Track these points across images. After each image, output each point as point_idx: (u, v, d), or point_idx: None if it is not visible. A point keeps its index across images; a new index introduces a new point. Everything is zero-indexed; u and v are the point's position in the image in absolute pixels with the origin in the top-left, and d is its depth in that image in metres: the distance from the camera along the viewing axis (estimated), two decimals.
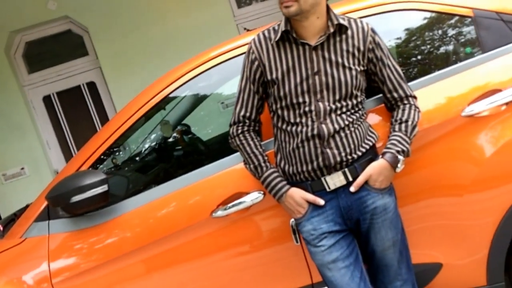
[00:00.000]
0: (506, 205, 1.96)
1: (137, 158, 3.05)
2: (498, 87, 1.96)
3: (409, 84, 2.00)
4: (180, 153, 3.19)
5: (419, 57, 2.24)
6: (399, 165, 1.77)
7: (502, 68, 1.99)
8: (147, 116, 2.34)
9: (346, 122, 1.78)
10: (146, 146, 3.09)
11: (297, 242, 1.97)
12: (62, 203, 2.04)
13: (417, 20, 2.19)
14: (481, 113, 1.95)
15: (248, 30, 3.24)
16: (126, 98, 2.67)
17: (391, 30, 2.23)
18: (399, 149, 1.78)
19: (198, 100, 3.05)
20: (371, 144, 1.83)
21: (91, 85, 5.99)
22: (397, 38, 2.25)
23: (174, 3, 5.75)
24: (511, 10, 2.03)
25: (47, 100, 5.91)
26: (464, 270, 2.06)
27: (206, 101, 3.04)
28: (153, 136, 3.05)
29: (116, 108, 5.69)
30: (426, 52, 2.22)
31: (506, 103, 1.94)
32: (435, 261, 2.07)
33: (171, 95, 2.32)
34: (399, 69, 1.90)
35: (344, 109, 1.79)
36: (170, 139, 3.13)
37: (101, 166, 2.35)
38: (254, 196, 2.01)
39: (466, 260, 2.05)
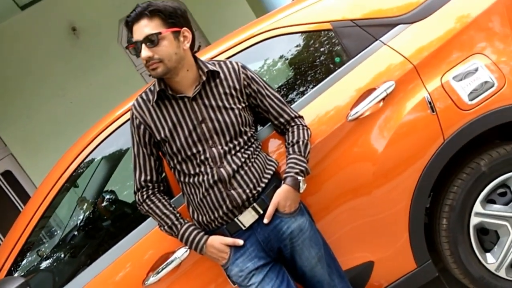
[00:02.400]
0: (410, 189, 2.10)
1: (66, 242, 2.97)
2: (372, 86, 2.10)
3: (296, 103, 2.11)
4: (108, 223, 3.14)
5: (298, 77, 2.35)
6: (301, 185, 1.85)
7: (371, 68, 2.13)
8: (55, 201, 2.29)
9: (243, 159, 1.84)
10: (70, 229, 3.01)
11: (234, 284, 2.00)
12: None
13: (288, 43, 2.31)
14: (364, 114, 2.08)
15: (199, 47, 3.25)
16: None
17: (267, 58, 2.35)
18: (297, 170, 1.86)
19: (114, 162, 3.01)
20: (272, 172, 1.90)
21: (8, 174, 5.77)
22: (274, 64, 2.36)
23: (73, 74, 5.69)
24: (362, 15, 2.19)
25: None
26: (393, 260, 2.17)
27: (124, 160, 3.00)
28: (75, 217, 2.98)
29: None
30: (303, 71, 2.34)
31: (383, 99, 2.08)
32: (366, 260, 2.16)
33: (80, 168, 2.30)
34: (278, 95, 1.99)
35: (237, 148, 1.86)
36: (94, 213, 3.07)
37: (24, 262, 2.27)
38: (181, 253, 2.02)
39: (392, 250, 2.16)
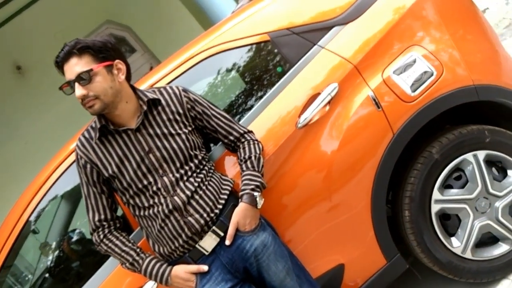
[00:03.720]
0: (368, 187, 2.11)
1: None
2: (317, 91, 2.10)
3: (245, 117, 2.10)
4: (77, 263, 3.06)
5: (244, 92, 2.33)
6: (258, 200, 1.84)
7: (312, 73, 2.14)
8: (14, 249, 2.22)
9: (196, 184, 1.82)
10: (39, 274, 2.92)
11: None
12: None
13: (229, 60, 2.30)
14: (313, 120, 2.08)
15: (151, 68, 3.19)
16: None
17: (210, 76, 2.33)
18: (252, 186, 1.85)
19: (74, 198, 2.93)
20: (228, 192, 1.88)
21: None
22: (218, 82, 2.34)
23: (26, 113, 5.55)
24: (297, 22, 2.19)
25: None
26: (363, 259, 2.18)
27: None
28: (42, 263, 2.89)
29: None
30: (248, 85, 2.33)
31: (328, 102, 2.09)
32: (336, 263, 2.16)
33: (37, 210, 2.24)
34: (224, 113, 1.98)
35: (189, 173, 1.83)
36: (61, 256, 2.98)
37: None
38: (149, 286, 1.97)
39: (360, 250, 2.16)
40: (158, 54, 6.03)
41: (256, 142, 1.97)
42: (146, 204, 1.81)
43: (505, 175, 2.23)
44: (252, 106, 2.16)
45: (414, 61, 2.11)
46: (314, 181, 2.09)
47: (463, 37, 2.27)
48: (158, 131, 1.83)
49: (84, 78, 1.72)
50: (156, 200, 1.80)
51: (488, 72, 2.24)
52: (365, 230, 2.14)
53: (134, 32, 6.03)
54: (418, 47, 2.15)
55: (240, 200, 1.84)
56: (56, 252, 2.94)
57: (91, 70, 1.72)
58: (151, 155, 1.81)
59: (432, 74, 2.10)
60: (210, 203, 1.82)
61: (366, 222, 2.14)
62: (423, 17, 2.23)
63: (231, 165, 2.07)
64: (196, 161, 1.86)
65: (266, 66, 2.26)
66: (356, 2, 2.21)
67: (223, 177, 1.94)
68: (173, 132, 1.84)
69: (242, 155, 1.93)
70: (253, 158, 1.91)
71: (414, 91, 2.09)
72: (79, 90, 1.72)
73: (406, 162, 2.20)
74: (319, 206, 2.11)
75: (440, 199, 2.15)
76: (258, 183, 1.86)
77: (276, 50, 2.21)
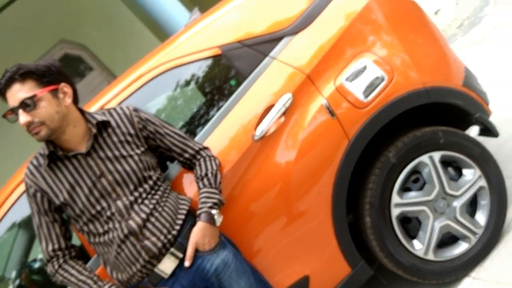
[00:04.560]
0: (328, 196, 2.11)
1: None
2: (271, 103, 2.09)
3: (200, 133, 2.08)
4: None
5: (198, 107, 2.30)
6: (216, 218, 1.80)
7: (266, 85, 2.13)
8: None
9: (151, 206, 1.77)
10: None
11: None
12: None
13: (182, 75, 2.27)
14: (269, 132, 2.07)
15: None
16: None
17: (162, 94, 2.29)
18: (210, 204, 1.82)
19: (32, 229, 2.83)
20: (185, 212, 1.84)
21: None
22: (172, 100, 2.30)
23: None
24: (248, 35, 2.19)
25: None
26: (328, 268, 2.17)
27: None
28: None
29: None
30: (203, 101, 2.30)
31: (284, 113, 2.08)
32: (301, 275, 2.14)
33: None
34: (178, 131, 1.94)
35: (144, 195, 1.78)
36: None
37: None
38: None
39: (324, 259, 2.15)
40: (117, 72, 5.94)
41: (212, 158, 1.94)
42: (100, 230, 1.76)
43: (460, 174, 2.26)
44: (207, 122, 2.14)
45: (365, 67, 2.13)
46: (274, 194, 2.07)
47: (412, 41, 2.30)
48: (110, 154, 1.78)
49: (28, 104, 1.66)
50: (111, 226, 1.75)
51: (438, 74, 2.28)
52: (327, 239, 2.14)
53: (90, 50, 5.92)
54: (368, 53, 2.17)
55: (198, 219, 1.80)
56: (15, 286, 2.84)
57: (35, 95, 1.67)
58: (103, 179, 1.76)
59: (383, 79, 2.13)
60: (167, 225, 1.77)
61: (328, 231, 2.13)
62: (372, 23, 2.25)
63: (189, 183, 2.03)
64: (151, 182, 1.81)
65: (219, 80, 2.24)
66: (305, 12, 2.22)
67: (180, 196, 1.90)
68: (125, 154, 1.80)
69: (199, 172, 1.90)
70: (209, 175, 1.88)
71: (366, 97, 2.11)
72: (23, 117, 1.66)
73: (366, 168, 2.21)
74: (281, 218, 2.09)
75: (399, 203, 2.17)
76: (215, 200, 1.83)
77: (228, 64, 2.19)
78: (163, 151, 1.92)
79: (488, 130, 2.36)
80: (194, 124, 2.21)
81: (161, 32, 4.79)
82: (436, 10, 6.23)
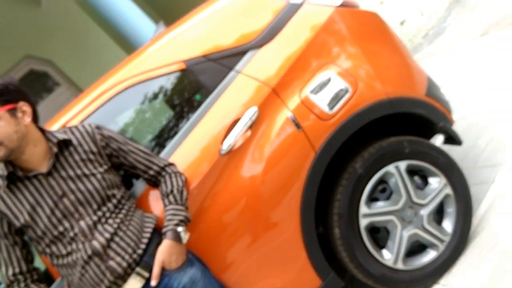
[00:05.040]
0: (296, 209, 2.10)
1: None
2: (237, 116, 2.08)
3: (166, 149, 2.05)
4: None
5: (164, 123, 2.27)
6: (182, 235, 1.78)
7: (232, 99, 2.12)
8: None
9: (115, 225, 1.74)
10: None
11: None
12: None
13: (147, 91, 2.24)
14: (236, 145, 2.06)
15: None
16: None
17: (127, 110, 2.26)
18: (176, 222, 1.79)
19: None
20: (151, 230, 1.81)
21: None
22: (137, 115, 2.27)
23: None
24: (212, 49, 2.18)
25: None
26: (299, 281, 2.16)
27: None
28: None
29: None
30: (168, 116, 2.27)
31: (250, 127, 2.07)
32: None
33: None
34: (142, 148, 1.92)
35: (107, 214, 1.75)
36: None
37: None
38: None
39: (295, 272, 2.14)
40: (84, 87, 5.84)
41: (178, 174, 1.92)
42: (64, 252, 1.71)
43: (426, 183, 2.29)
44: (172, 137, 2.11)
45: (330, 80, 2.15)
46: (242, 209, 2.05)
47: (375, 52, 2.33)
48: (71, 173, 1.74)
49: None
50: (74, 247, 1.70)
51: (401, 85, 2.31)
52: (297, 252, 2.13)
53: (56, 65, 5.82)
54: (332, 65, 2.19)
55: (163, 237, 1.77)
56: None
57: None
58: (65, 199, 1.71)
59: (347, 91, 2.14)
60: (132, 244, 1.74)
61: (297, 243, 2.12)
62: (335, 35, 2.28)
63: (155, 201, 1.99)
64: (115, 201, 1.78)
65: (185, 95, 2.23)
66: (270, 25, 2.23)
67: (145, 214, 1.86)
68: (87, 172, 1.76)
69: (164, 189, 1.87)
70: (175, 191, 1.86)
71: (331, 109, 2.12)
72: None
73: (334, 179, 2.21)
74: (250, 233, 2.08)
75: (367, 213, 2.18)
76: (182, 217, 1.80)
77: (193, 78, 2.18)
78: (127, 168, 1.89)
79: (452, 139, 2.40)
80: (160, 140, 2.18)
81: (128, 45, 4.74)
82: (402, 20, 6.36)
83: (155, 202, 1.99)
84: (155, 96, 2.24)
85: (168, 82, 2.22)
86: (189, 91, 2.21)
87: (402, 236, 2.20)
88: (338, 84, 2.14)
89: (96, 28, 5.83)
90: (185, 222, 1.81)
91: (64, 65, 5.73)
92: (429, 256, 2.26)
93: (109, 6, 4.54)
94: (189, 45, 2.24)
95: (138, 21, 4.43)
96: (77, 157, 1.77)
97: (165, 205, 1.85)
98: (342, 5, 2.30)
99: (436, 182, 2.27)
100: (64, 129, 1.84)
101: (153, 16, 6.00)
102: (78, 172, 1.75)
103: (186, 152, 2.06)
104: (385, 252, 2.22)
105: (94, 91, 2.18)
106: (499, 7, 4.88)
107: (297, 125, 2.09)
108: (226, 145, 2.04)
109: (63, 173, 1.74)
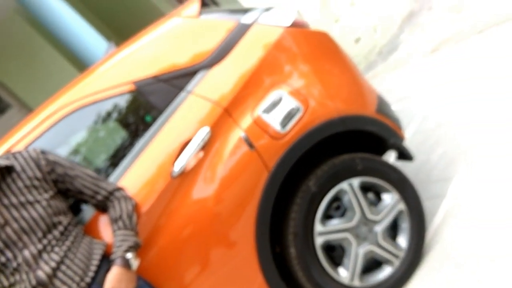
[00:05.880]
0: (251, 230, 2.08)
1: None
2: (189, 137, 2.05)
3: (116, 173, 1.99)
4: None
5: (114, 146, 2.20)
6: (132, 262, 1.72)
7: (183, 120, 2.09)
8: None
9: (62, 253, 1.67)
10: None
11: None
12: None
13: (95, 113, 2.17)
14: (188, 167, 2.03)
15: None
16: None
17: (75, 134, 2.19)
18: (125, 248, 1.73)
19: None
20: (99, 257, 1.75)
21: None
22: (85, 139, 2.20)
23: None
24: (162, 70, 2.15)
25: None
26: None
27: None
28: None
29: None
30: (118, 138, 2.21)
31: (202, 148, 2.05)
32: None
33: None
34: (89, 172, 1.86)
35: (53, 242, 1.68)
36: None
37: None
38: None
39: None
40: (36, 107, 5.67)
41: (127, 199, 1.86)
42: (6, 284, 1.63)
43: (380, 199, 2.31)
44: (123, 160, 2.06)
45: (281, 99, 2.15)
46: (196, 232, 2.02)
47: (326, 71, 2.36)
48: (14, 201, 1.67)
49: None
50: (18, 278, 1.62)
51: (352, 103, 2.34)
52: (253, 273, 2.10)
53: (7, 86, 5.63)
54: (283, 84, 2.20)
55: (112, 264, 1.71)
56: None
57: None
58: (7, 228, 1.64)
59: (299, 110, 2.15)
60: (80, 272, 1.67)
61: (253, 265, 2.09)
62: (286, 55, 2.29)
63: (104, 226, 1.93)
64: (61, 228, 1.71)
65: (135, 117, 2.18)
66: (220, 45, 2.22)
67: (94, 241, 1.80)
68: (31, 199, 1.69)
69: (113, 214, 1.81)
70: (124, 216, 1.80)
71: (284, 128, 2.12)
72: None
73: (288, 198, 2.21)
74: (205, 256, 2.04)
75: (322, 231, 2.17)
76: (131, 243, 1.75)
77: (144, 99, 2.14)
78: (74, 194, 1.82)
79: (404, 154, 2.44)
80: (110, 163, 2.12)
81: (82, 65, 4.65)
82: (357, 38, 6.51)
83: (105, 228, 1.93)
84: (104, 118, 2.18)
85: (118, 104, 2.17)
86: (139, 113, 2.17)
87: (357, 253, 2.21)
88: (289, 103, 2.15)
89: (48, 48, 5.69)
90: (135, 248, 1.76)
91: (15, 86, 5.55)
92: (385, 272, 2.27)
93: (60, 25, 4.46)
94: (139, 65, 2.20)
95: (90, 40, 4.36)
96: (20, 184, 1.70)
97: (114, 231, 1.79)
98: (292, 25, 2.32)
99: (389, 198, 2.29)
100: (7, 155, 1.77)
101: (108, 35, 5.92)
102: (22, 199, 1.68)
103: (137, 175, 2.01)
104: (341, 270, 2.22)
105: (41, 114, 2.11)
106: (449, 25, 5.06)
107: (250, 145, 2.08)
108: (177, 167, 2.01)
109: (6, 201, 1.67)
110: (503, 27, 3.97)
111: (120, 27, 6.40)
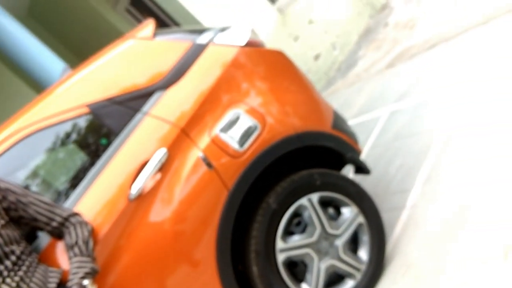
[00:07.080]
0: (212, 252, 2.06)
1: None
2: (145, 160, 2.03)
3: (71, 199, 1.95)
4: None
5: (68, 171, 2.15)
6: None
7: (139, 142, 2.07)
8: None
9: (14, 284, 1.62)
10: None
11: None
12: None
13: (49, 138, 2.13)
14: (145, 189, 2.00)
15: None
16: None
17: (28, 160, 2.13)
18: (81, 274, 1.70)
19: None
20: (55, 285, 1.71)
21: None
22: (38, 165, 2.15)
23: None
24: (117, 92, 2.13)
25: None
26: None
27: None
28: None
29: None
30: (72, 163, 2.17)
31: (159, 170, 2.03)
32: None
33: None
34: (43, 199, 1.82)
35: (5, 273, 1.63)
36: None
37: None
38: None
39: None
40: None
41: (83, 224, 1.82)
42: None
43: (339, 213, 2.34)
44: (78, 184, 2.02)
45: (238, 118, 2.17)
46: (156, 255, 1.99)
47: (283, 89, 2.39)
48: None
49: None
50: None
51: (308, 119, 2.37)
52: None
53: None
54: (240, 103, 2.21)
55: None
56: None
57: None
58: None
59: (256, 128, 2.17)
60: None
61: (216, 285, 2.08)
62: (242, 74, 2.31)
63: (61, 253, 1.88)
64: (14, 258, 1.66)
65: (90, 140, 2.15)
66: (175, 66, 2.22)
67: (49, 269, 1.76)
68: None
69: (68, 241, 1.77)
70: (80, 242, 1.76)
71: (242, 146, 2.13)
72: None
73: (249, 217, 2.20)
74: (165, 280, 2.01)
75: (284, 248, 2.18)
76: (88, 270, 1.71)
77: (98, 122, 2.11)
78: (27, 221, 1.78)
79: (361, 168, 2.49)
80: (65, 187, 2.08)
81: (41, 88, 4.56)
82: (316, 55, 6.64)
83: (61, 255, 1.88)
84: (60, 142, 2.14)
85: (73, 127, 2.13)
86: (94, 136, 2.14)
87: (319, 268, 2.22)
88: (246, 121, 2.17)
89: (5, 71, 5.58)
90: (91, 274, 1.72)
91: None
92: (347, 285, 2.28)
93: (16, 47, 4.37)
94: (92, 88, 2.18)
95: (48, 62, 4.29)
96: None
97: (69, 258, 1.75)
98: (247, 45, 2.35)
99: (348, 212, 2.32)
100: None
101: (67, 56, 5.83)
102: None
103: (93, 199, 1.97)
104: (304, 286, 2.22)
105: None
106: (403, 40, 5.22)
107: (209, 165, 2.08)
108: (134, 190, 1.99)
109: None
110: (452, 41, 4.14)
111: (78, 47, 6.32)
